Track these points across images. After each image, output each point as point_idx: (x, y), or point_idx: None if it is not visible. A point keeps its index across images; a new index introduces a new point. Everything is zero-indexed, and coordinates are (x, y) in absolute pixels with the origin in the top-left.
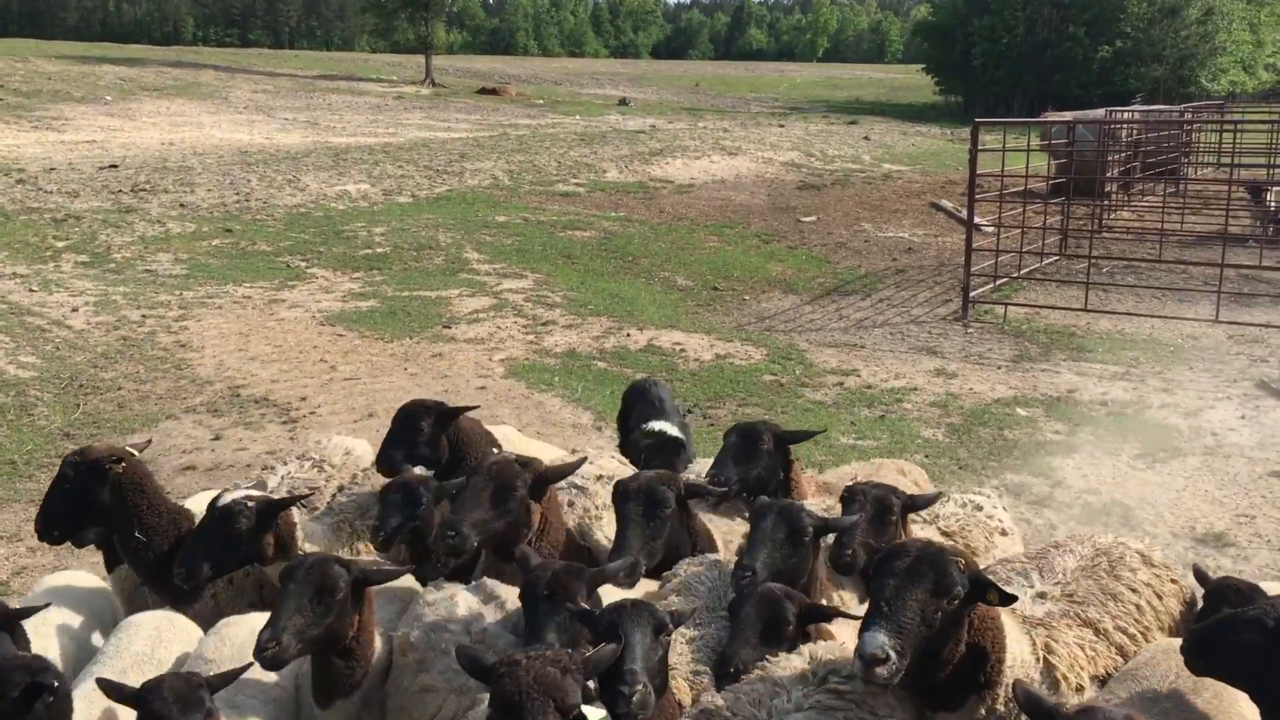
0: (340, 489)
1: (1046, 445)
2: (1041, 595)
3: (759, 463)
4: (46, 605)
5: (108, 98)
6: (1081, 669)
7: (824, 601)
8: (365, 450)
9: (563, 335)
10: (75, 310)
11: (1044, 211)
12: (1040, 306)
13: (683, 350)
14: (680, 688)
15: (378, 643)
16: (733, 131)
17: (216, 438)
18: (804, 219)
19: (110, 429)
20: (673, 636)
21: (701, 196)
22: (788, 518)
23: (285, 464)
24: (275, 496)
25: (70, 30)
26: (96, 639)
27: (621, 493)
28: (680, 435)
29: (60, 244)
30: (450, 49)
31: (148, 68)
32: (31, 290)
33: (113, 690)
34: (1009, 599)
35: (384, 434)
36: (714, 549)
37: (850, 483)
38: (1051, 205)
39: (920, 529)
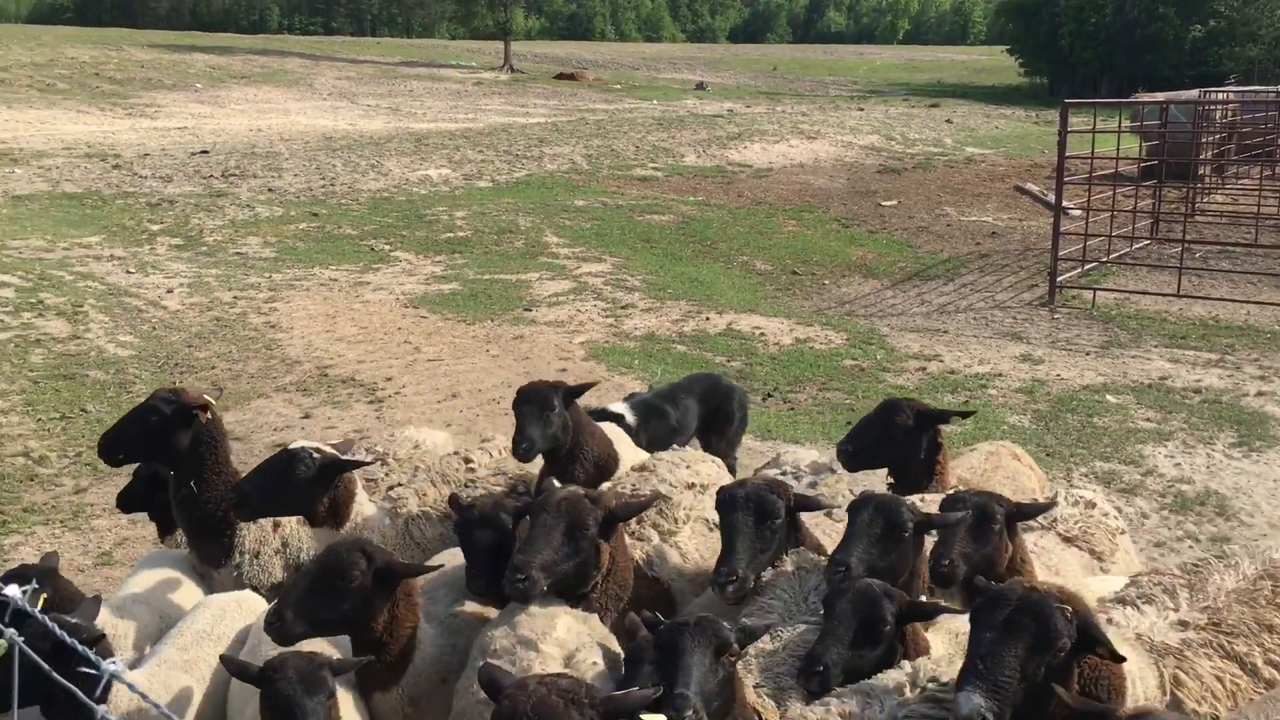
0: (396, 485)
1: (1137, 433)
2: (1183, 623)
3: (897, 441)
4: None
5: (198, 85)
6: (1217, 701)
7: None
8: (439, 442)
9: (642, 318)
10: (170, 291)
11: (1135, 195)
12: (1130, 292)
13: (762, 334)
14: (765, 705)
15: (426, 639)
16: (811, 115)
17: (306, 416)
18: (884, 203)
19: None
20: (752, 650)
21: (780, 180)
22: (886, 512)
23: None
24: (345, 457)
25: (161, 19)
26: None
27: (727, 501)
28: (624, 413)
29: (155, 227)
30: (528, 35)
31: (236, 56)
32: (129, 272)
33: (234, 666)
34: (1118, 657)
35: (467, 413)
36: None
37: (954, 486)
38: (1143, 188)
39: (1038, 536)
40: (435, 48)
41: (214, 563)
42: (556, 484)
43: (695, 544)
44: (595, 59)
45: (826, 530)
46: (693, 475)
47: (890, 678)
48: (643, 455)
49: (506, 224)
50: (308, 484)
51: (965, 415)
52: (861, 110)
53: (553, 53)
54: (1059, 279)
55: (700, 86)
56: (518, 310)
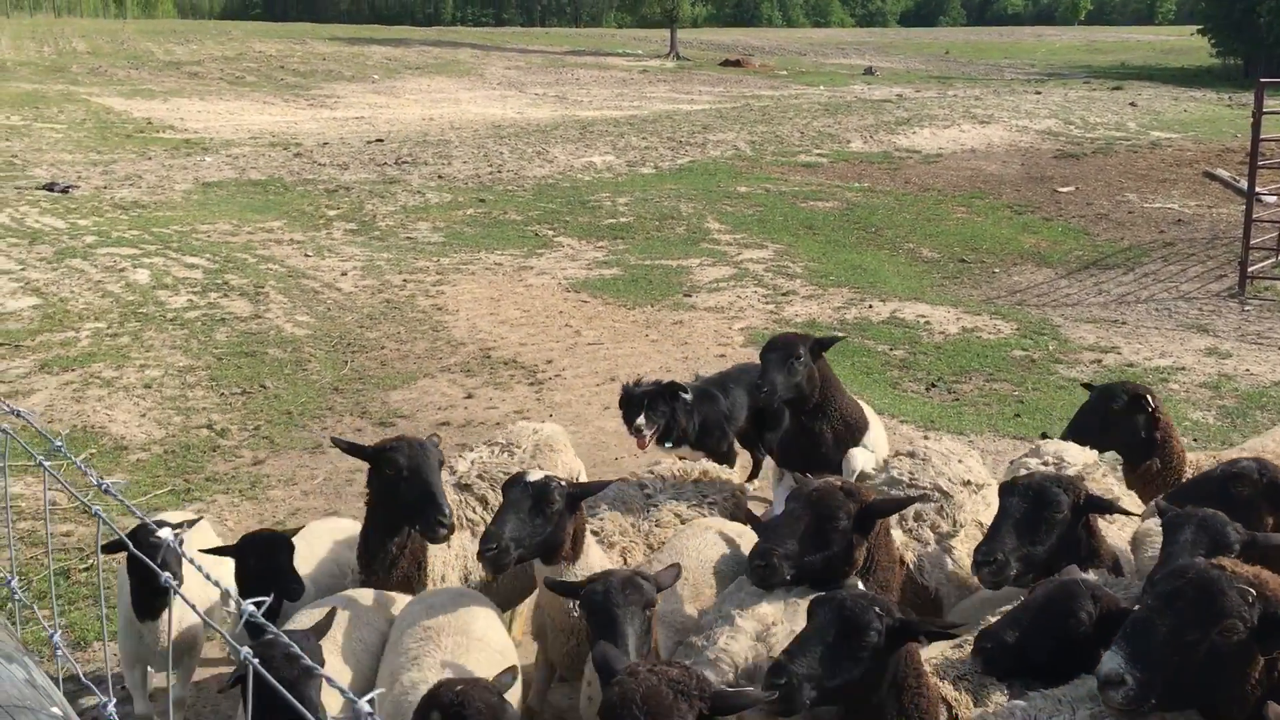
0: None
1: None
2: None
3: (1115, 424)
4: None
5: (375, 76)
6: None
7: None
8: (553, 431)
9: (803, 305)
10: (344, 274)
11: None
12: None
13: (927, 323)
14: (960, 700)
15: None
16: (984, 99)
17: (469, 396)
18: (1061, 189)
19: (374, 385)
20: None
21: (950, 166)
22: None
23: (474, 449)
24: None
25: (342, 14)
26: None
27: (1007, 486)
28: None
29: (331, 213)
30: (694, 22)
31: (411, 48)
32: (307, 255)
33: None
34: None
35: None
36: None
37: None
38: None
39: None
40: (602, 36)
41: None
42: (809, 479)
43: (968, 549)
44: (761, 45)
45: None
46: (966, 471)
47: (1085, 685)
48: (880, 424)
49: (668, 210)
50: (559, 518)
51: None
52: (1039, 94)
53: (719, 40)
54: (1250, 269)
55: (869, 71)
56: (678, 296)
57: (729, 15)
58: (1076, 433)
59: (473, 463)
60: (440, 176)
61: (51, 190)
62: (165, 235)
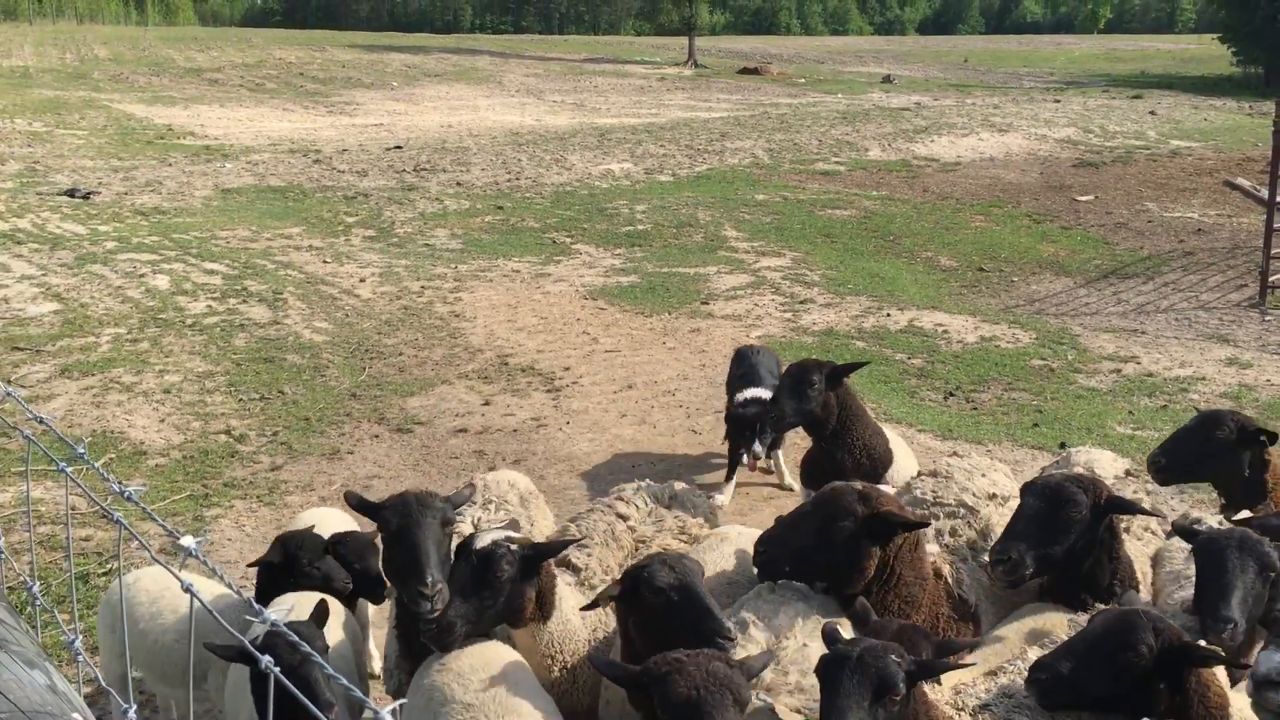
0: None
1: None
2: None
3: (1215, 456)
4: None
5: (394, 84)
6: None
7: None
8: (518, 477)
9: (821, 314)
10: (363, 281)
11: None
12: None
13: (945, 332)
14: None
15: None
16: (1003, 108)
17: (486, 403)
18: (1080, 198)
19: (392, 391)
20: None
21: (968, 175)
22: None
23: (467, 508)
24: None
25: (362, 21)
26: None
27: (1027, 487)
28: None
29: (350, 219)
30: (713, 30)
31: (430, 55)
32: (325, 262)
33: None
34: None
35: (641, 404)
36: (1134, 582)
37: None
38: None
39: None
40: (621, 44)
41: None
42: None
43: None
44: (780, 53)
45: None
46: (991, 485)
47: None
48: (913, 460)
49: (686, 218)
50: (513, 583)
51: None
52: (1058, 102)
53: (737, 48)
54: (1271, 279)
55: (887, 80)
56: (695, 303)
57: (747, 23)
58: (1168, 454)
59: (475, 523)
60: (458, 184)
61: (73, 196)
62: (185, 241)
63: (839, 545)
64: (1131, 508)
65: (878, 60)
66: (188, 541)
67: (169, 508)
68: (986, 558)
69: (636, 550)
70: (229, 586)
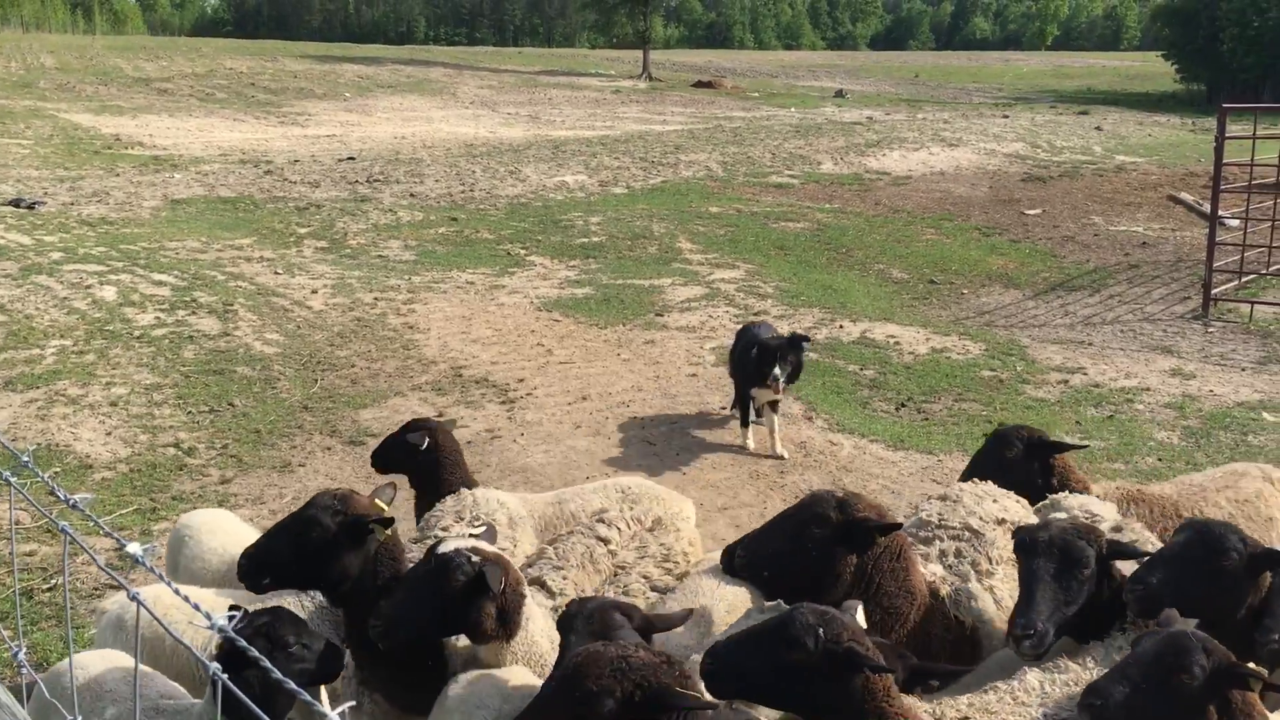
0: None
1: None
2: None
3: (1009, 471)
4: None
5: (347, 95)
6: None
7: None
8: (514, 505)
9: (774, 325)
10: (315, 292)
11: None
12: None
13: (897, 343)
14: None
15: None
16: (953, 123)
17: (440, 415)
18: (1028, 212)
19: (344, 403)
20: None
21: (919, 188)
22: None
23: (447, 529)
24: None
25: (314, 31)
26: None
27: (1028, 544)
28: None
29: (302, 230)
30: (667, 44)
31: (383, 66)
32: (276, 273)
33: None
34: None
35: (596, 415)
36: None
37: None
38: None
39: None
40: (575, 57)
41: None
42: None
43: (1009, 589)
44: (734, 67)
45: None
46: (1000, 510)
47: None
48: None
49: (640, 230)
50: (468, 597)
51: (1078, 448)
52: (1006, 117)
53: (691, 61)
54: (1213, 291)
55: (839, 94)
56: (649, 315)
57: (701, 37)
58: (969, 478)
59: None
60: (412, 195)
61: (18, 206)
62: (133, 252)
63: (813, 551)
64: (1133, 553)
65: (830, 75)
66: (134, 549)
67: (116, 522)
68: (994, 582)
69: (614, 575)
70: (176, 593)
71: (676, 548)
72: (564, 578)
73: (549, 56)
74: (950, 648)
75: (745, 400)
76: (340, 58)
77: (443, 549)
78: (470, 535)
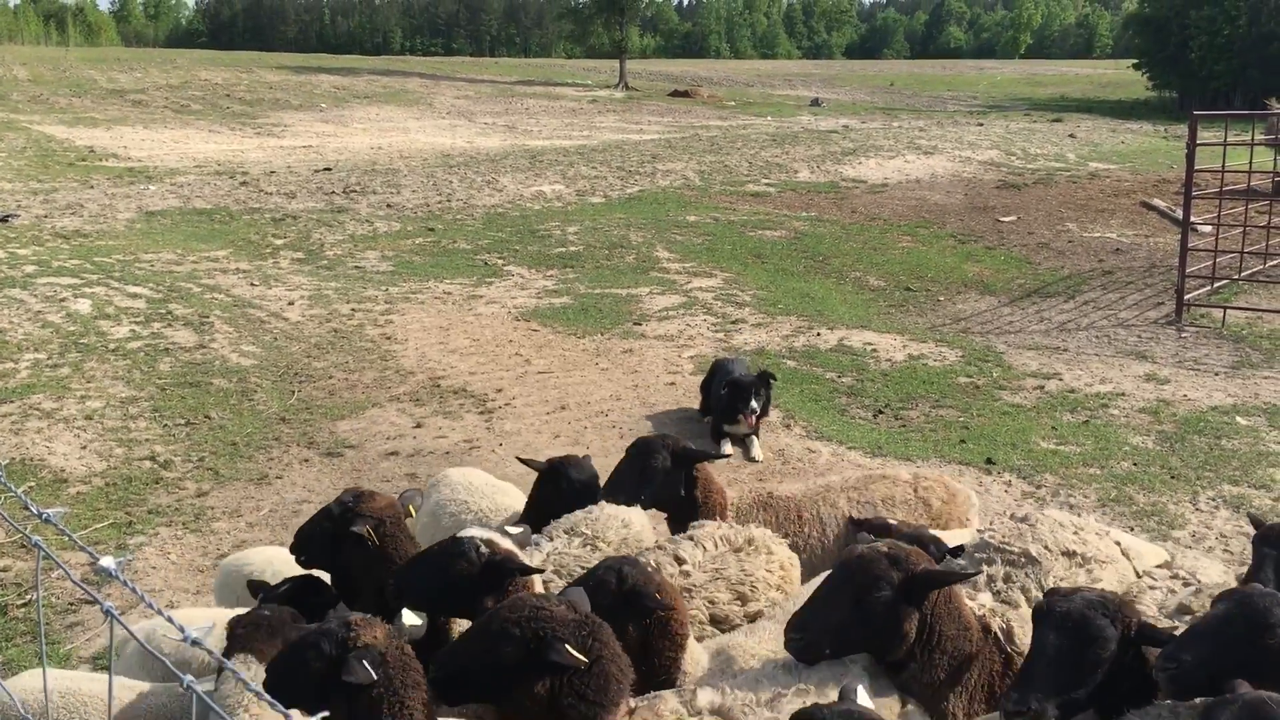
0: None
1: (1269, 456)
2: None
3: (653, 481)
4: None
5: (323, 105)
6: None
7: None
8: (642, 526)
9: (752, 333)
10: (291, 303)
11: (1269, 210)
12: (1264, 310)
13: (874, 350)
14: None
15: None
16: (929, 130)
17: (418, 425)
18: (1003, 219)
19: (322, 415)
20: None
21: (895, 196)
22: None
23: (552, 539)
24: (519, 558)
25: (290, 42)
26: None
27: (1040, 613)
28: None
29: (278, 241)
30: (644, 53)
31: (359, 77)
32: (253, 284)
33: None
34: None
35: (575, 425)
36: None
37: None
38: (1277, 204)
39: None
40: (552, 67)
41: None
42: (869, 538)
43: None
44: (710, 76)
45: None
46: (1077, 543)
47: None
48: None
49: (618, 239)
50: (470, 584)
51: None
52: (981, 125)
53: (668, 70)
54: (1187, 297)
55: (815, 103)
56: (627, 324)
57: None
58: (612, 490)
59: (549, 555)
60: (389, 205)
61: None
62: (107, 265)
63: (878, 615)
64: (1166, 639)
65: (806, 84)
66: (107, 562)
67: (91, 536)
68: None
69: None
70: (150, 605)
71: (759, 573)
72: None
73: (526, 66)
74: (1001, 680)
75: (719, 434)
76: (316, 68)
77: (463, 533)
78: (506, 531)
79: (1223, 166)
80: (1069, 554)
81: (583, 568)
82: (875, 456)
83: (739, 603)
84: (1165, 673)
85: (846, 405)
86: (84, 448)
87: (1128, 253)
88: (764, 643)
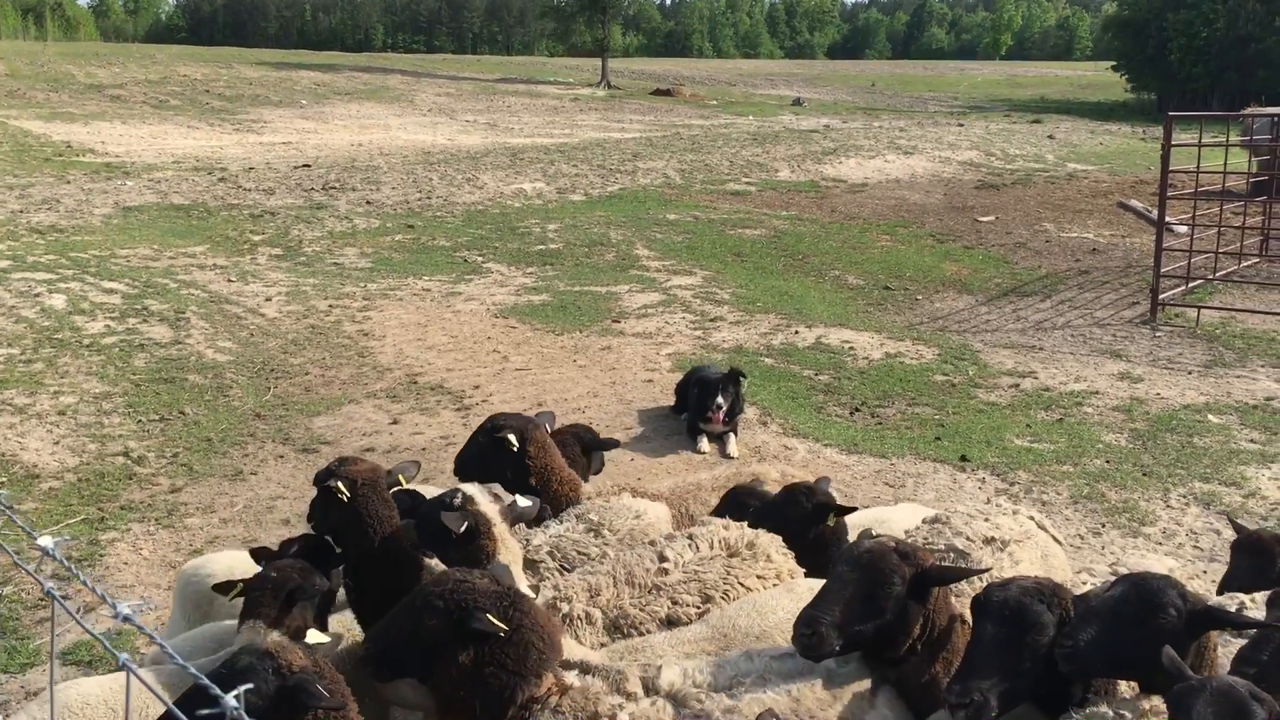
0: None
1: (1240, 454)
2: None
3: (496, 463)
4: None
5: (303, 102)
6: None
7: None
8: (660, 516)
9: (730, 331)
10: (269, 300)
11: (1244, 211)
12: (1237, 310)
13: (852, 348)
14: None
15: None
16: (909, 131)
17: (394, 422)
18: (982, 219)
19: (298, 411)
20: None
21: (875, 196)
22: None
23: (561, 522)
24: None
25: (271, 38)
26: None
27: (978, 605)
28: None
29: (257, 238)
30: (626, 52)
31: (340, 73)
32: (230, 281)
33: None
34: None
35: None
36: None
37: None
38: (1252, 205)
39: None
40: (534, 64)
41: None
42: (874, 533)
43: None
44: (692, 75)
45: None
46: (991, 528)
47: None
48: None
49: (598, 237)
50: (457, 544)
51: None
52: (961, 126)
53: (650, 69)
54: (1161, 296)
55: (797, 102)
56: (606, 321)
57: (660, 45)
58: (463, 470)
59: (552, 537)
60: (368, 202)
61: None
62: (83, 260)
63: (890, 610)
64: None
65: (788, 83)
66: (45, 542)
67: (62, 532)
68: None
69: (650, 593)
70: (94, 591)
71: (748, 581)
72: (568, 584)
73: (507, 64)
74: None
75: (695, 431)
76: (297, 65)
77: (460, 487)
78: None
79: (1198, 168)
80: (988, 540)
81: (580, 553)
82: (851, 454)
83: (699, 607)
84: (1061, 651)
85: (823, 403)
86: (57, 443)
87: (1104, 253)
88: (680, 645)
